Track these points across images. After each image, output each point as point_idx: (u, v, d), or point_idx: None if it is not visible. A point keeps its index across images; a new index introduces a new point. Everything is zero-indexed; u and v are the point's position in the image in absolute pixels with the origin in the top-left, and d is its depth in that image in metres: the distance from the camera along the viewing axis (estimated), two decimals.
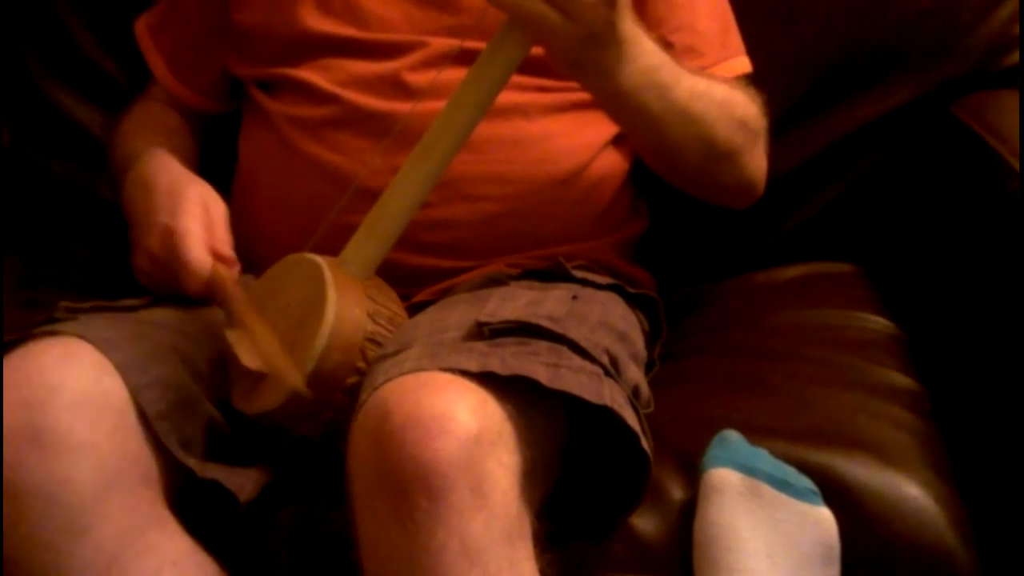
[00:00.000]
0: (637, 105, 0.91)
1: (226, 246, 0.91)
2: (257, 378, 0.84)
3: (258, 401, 0.83)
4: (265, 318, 0.86)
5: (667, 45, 0.95)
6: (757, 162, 1.03)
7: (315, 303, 0.82)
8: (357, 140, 0.98)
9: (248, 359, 0.83)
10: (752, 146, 1.01)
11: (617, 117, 0.97)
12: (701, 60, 1.02)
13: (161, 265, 0.92)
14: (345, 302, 0.82)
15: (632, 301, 1.01)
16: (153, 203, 0.93)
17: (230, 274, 0.91)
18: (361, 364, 0.82)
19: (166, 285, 0.92)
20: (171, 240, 0.90)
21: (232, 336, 0.85)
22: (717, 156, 0.98)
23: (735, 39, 1.08)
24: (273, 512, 0.88)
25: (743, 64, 1.07)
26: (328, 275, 0.83)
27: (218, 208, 0.93)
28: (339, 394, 0.81)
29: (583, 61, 0.86)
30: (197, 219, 0.91)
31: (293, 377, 0.81)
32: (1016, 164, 1.02)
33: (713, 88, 0.97)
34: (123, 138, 1.08)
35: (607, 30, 0.84)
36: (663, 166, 1.02)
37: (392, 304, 0.87)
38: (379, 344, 0.83)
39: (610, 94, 0.90)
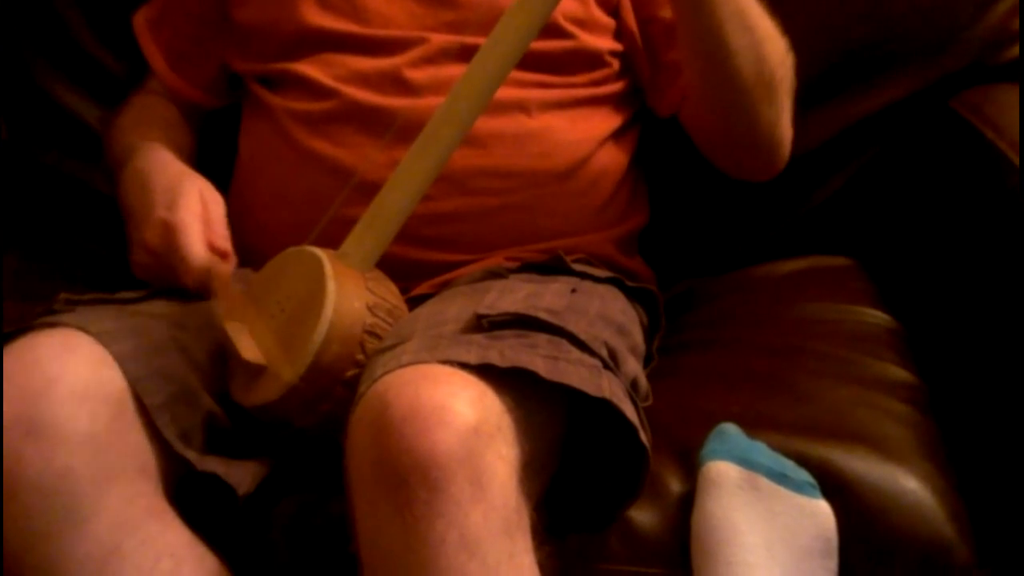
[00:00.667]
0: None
1: (223, 240, 0.91)
2: (255, 370, 0.84)
3: (256, 393, 0.84)
4: (265, 311, 0.86)
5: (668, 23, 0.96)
6: (788, 118, 1.03)
7: (314, 295, 0.82)
8: (357, 135, 0.98)
9: (247, 351, 0.83)
10: (788, 93, 1.02)
11: (682, 9, 0.96)
12: None
13: (159, 259, 0.92)
14: (344, 294, 0.83)
15: (631, 295, 1.01)
16: (151, 198, 0.93)
17: (226, 268, 0.91)
18: (360, 356, 0.82)
19: (164, 279, 0.92)
20: (168, 234, 0.90)
21: (231, 328, 0.85)
22: (762, 78, 0.98)
23: None
24: (272, 505, 0.88)
25: None
26: (328, 268, 0.83)
27: (216, 203, 0.93)
28: (338, 386, 0.82)
29: None
30: (194, 213, 0.91)
31: (291, 369, 0.81)
32: (1015, 158, 1.02)
33: (764, 14, 0.98)
34: (120, 132, 1.08)
35: None
36: (714, 74, 0.99)
37: (391, 297, 0.87)
38: (378, 336, 0.83)
39: None
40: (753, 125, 1.02)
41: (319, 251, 0.86)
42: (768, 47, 0.98)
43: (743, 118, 1.01)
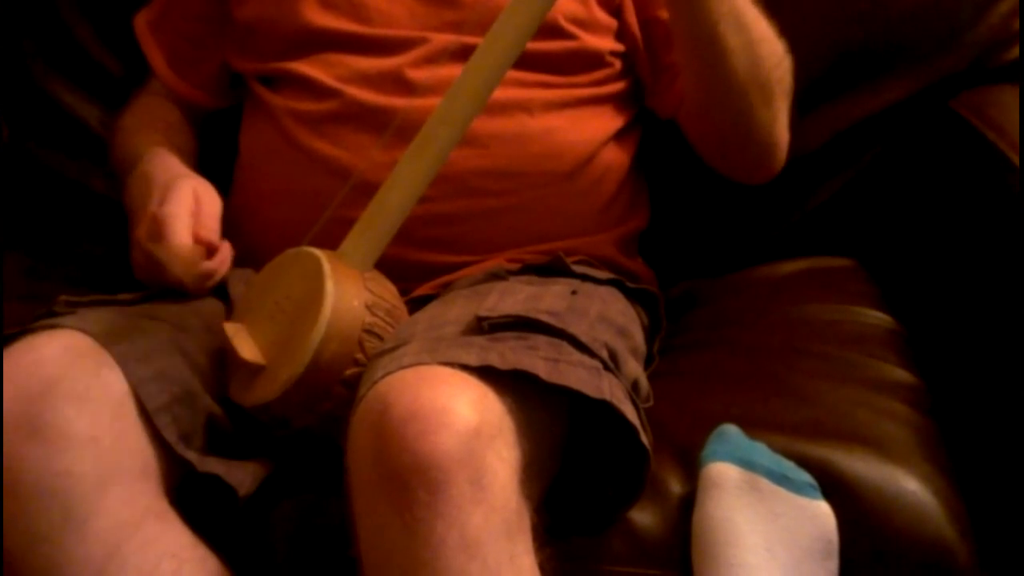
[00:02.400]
0: None
1: (210, 233, 0.91)
2: (255, 370, 0.84)
3: (256, 393, 0.84)
4: (264, 311, 0.87)
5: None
6: (784, 118, 1.03)
7: (313, 295, 0.83)
8: (358, 135, 0.98)
9: (245, 351, 0.83)
10: (785, 94, 1.02)
11: (676, 8, 0.96)
12: None
13: (147, 254, 0.91)
14: (343, 294, 0.83)
15: (632, 296, 1.01)
16: (149, 198, 0.93)
17: (213, 260, 0.90)
18: (359, 355, 0.82)
19: (155, 275, 0.92)
20: (156, 227, 0.90)
21: (230, 329, 0.85)
22: (757, 80, 0.98)
23: None
24: (272, 506, 0.88)
25: None
26: (326, 267, 0.84)
27: (210, 199, 0.93)
28: (337, 385, 0.82)
29: None
30: (184, 207, 0.91)
31: (290, 368, 0.81)
32: (1015, 159, 1.02)
33: (760, 17, 0.98)
34: (124, 136, 1.09)
35: None
36: (709, 76, 1.00)
37: (390, 297, 0.87)
38: (377, 336, 0.83)
39: None
40: (749, 127, 1.02)
41: (318, 251, 0.86)
42: (764, 49, 0.98)
43: (738, 119, 1.01)
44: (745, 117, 1.01)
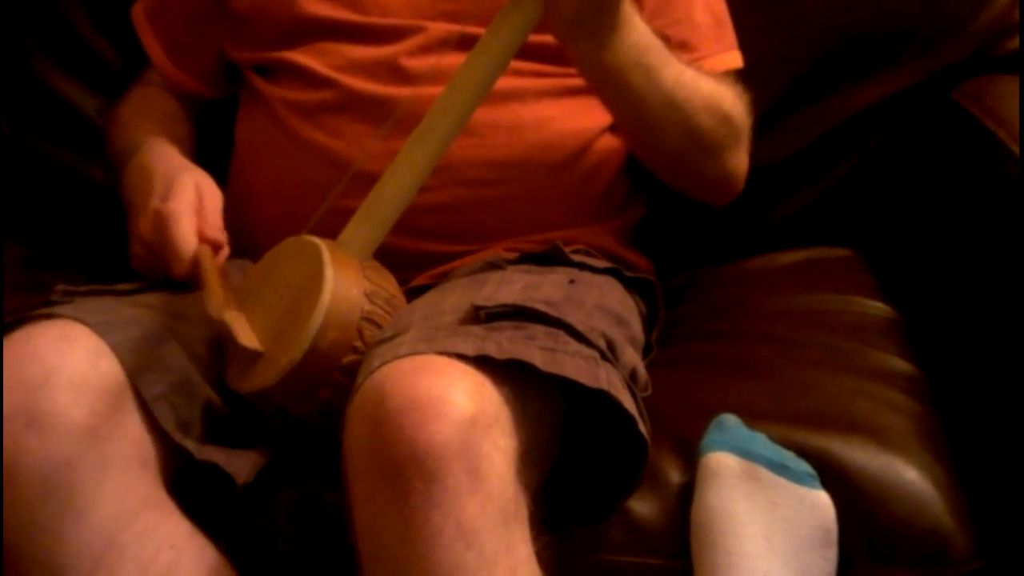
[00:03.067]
0: (623, 82, 0.91)
1: (215, 230, 0.91)
2: (253, 357, 0.84)
3: (254, 380, 0.84)
4: (263, 299, 0.87)
5: (664, 38, 0.95)
6: (738, 159, 1.03)
7: (312, 282, 0.83)
8: (355, 125, 0.98)
9: (244, 338, 0.83)
10: (735, 143, 1.01)
11: (602, 91, 0.96)
12: (695, 53, 1.02)
13: (151, 249, 0.91)
14: (342, 281, 0.83)
15: (630, 285, 1.01)
16: (149, 190, 0.93)
17: (217, 256, 0.90)
18: (357, 343, 0.82)
19: (157, 269, 0.92)
20: (160, 224, 0.90)
21: (228, 316, 0.85)
22: (698, 147, 0.98)
23: (729, 33, 1.08)
24: (271, 494, 0.88)
25: (735, 59, 1.07)
26: (325, 255, 0.84)
27: (212, 194, 0.93)
28: (335, 372, 0.82)
29: (583, 21, 0.85)
30: (188, 203, 0.91)
31: (288, 355, 0.81)
32: (1016, 148, 1.01)
33: (700, 80, 0.97)
34: (121, 127, 1.08)
35: None
36: (644, 150, 1.03)
37: (389, 285, 0.87)
38: (376, 324, 0.83)
39: (598, 66, 0.90)
40: (692, 177, 1.03)
41: (317, 239, 0.86)
42: (700, 119, 0.96)
43: (683, 174, 1.03)
44: (690, 173, 1.02)
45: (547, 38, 0.99)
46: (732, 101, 1.00)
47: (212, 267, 0.88)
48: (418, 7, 1.00)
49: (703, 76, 0.98)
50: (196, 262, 0.88)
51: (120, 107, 1.11)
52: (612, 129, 1.04)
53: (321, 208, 0.91)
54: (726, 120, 0.99)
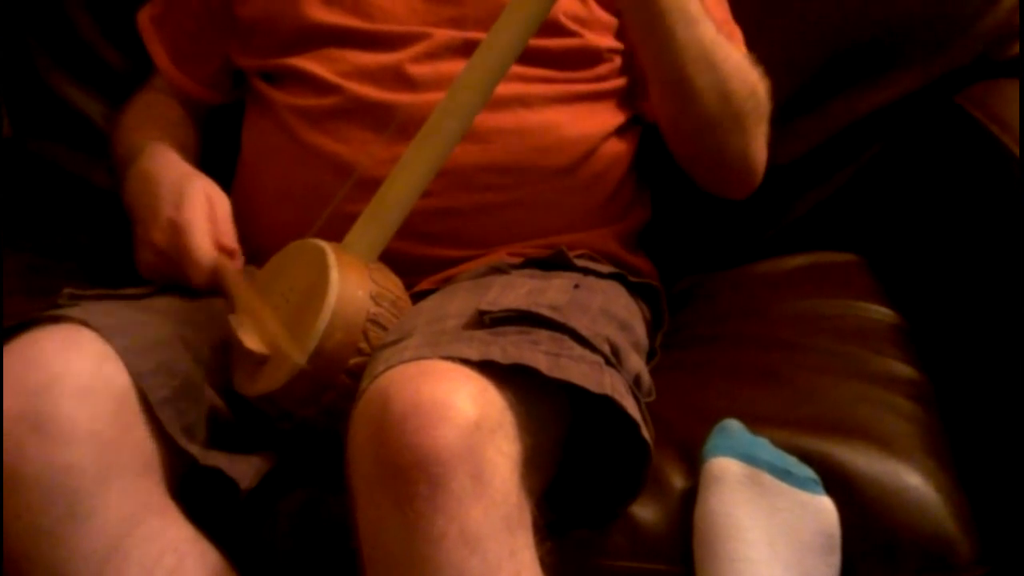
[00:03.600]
0: (665, 28, 0.94)
1: (230, 238, 0.92)
2: (259, 361, 0.84)
3: (260, 383, 0.84)
4: (269, 303, 0.87)
5: None
6: (760, 142, 1.03)
7: (318, 285, 0.83)
8: (360, 131, 0.98)
9: (250, 341, 0.84)
10: (759, 120, 1.02)
11: (646, 37, 0.97)
12: None
13: (166, 259, 0.92)
14: (347, 283, 0.83)
15: (634, 290, 1.01)
16: (157, 198, 0.94)
17: (233, 264, 0.91)
18: (363, 345, 0.82)
19: (171, 278, 0.92)
20: (176, 234, 0.91)
21: (234, 320, 0.86)
22: (728, 114, 0.99)
23: (737, 30, 1.09)
24: (275, 499, 0.88)
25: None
26: (331, 257, 0.84)
27: (221, 202, 0.94)
28: (341, 375, 0.82)
29: None
30: (201, 212, 0.91)
31: (295, 357, 0.81)
32: (1019, 153, 1.01)
33: (732, 48, 0.98)
34: (125, 132, 1.09)
35: None
36: (677, 116, 1.02)
37: (395, 288, 0.87)
38: (382, 326, 0.83)
39: (643, 5, 0.92)
40: (720, 153, 1.03)
41: (322, 242, 0.86)
42: (734, 83, 0.98)
43: (710, 147, 1.03)
44: (717, 145, 1.02)
45: (553, 43, 1.00)
46: (758, 76, 1.01)
47: (236, 276, 0.88)
48: (423, 14, 1.00)
49: (733, 46, 0.99)
50: (216, 271, 0.89)
51: (125, 112, 1.12)
52: (617, 134, 1.04)
53: (326, 212, 0.92)
54: (754, 92, 1.00)
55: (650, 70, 1.01)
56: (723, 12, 1.08)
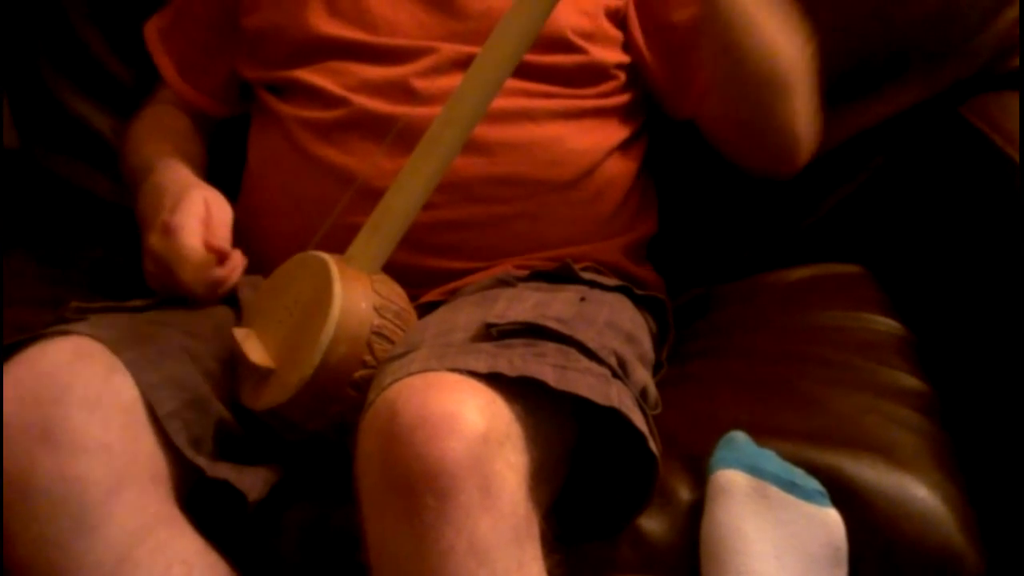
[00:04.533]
0: None
1: (221, 241, 0.92)
2: (264, 374, 0.84)
3: (266, 397, 0.84)
4: (273, 316, 0.87)
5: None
6: (805, 116, 1.02)
7: (321, 298, 0.83)
8: (366, 143, 0.98)
9: (255, 355, 0.84)
10: (804, 91, 1.01)
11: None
12: None
13: (159, 261, 0.92)
14: (351, 296, 0.83)
15: (640, 303, 1.01)
16: (160, 207, 0.94)
17: (225, 269, 0.91)
18: (368, 357, 0.82)
19: (166, 283, 0.92)
20: (167, 235, 0.91)
21: (239, 334, 0.86)
22: (777, 78, 0.99)
23: None
24: (282, 511, 0.88)
25: None
26: (334, 270, 0.84)
27: (220, 208, 0.94)
28: (346, 388, 0.82)
29: None
30: (195, 215, 0.91)
31: (299, 371, 0.81)
32: None
33: (773, 14, 0.98)
34: (135, 144, 1.09)
35: None
36: (726, 71, 1.01)
37: (398, 299, 0.88)
38: (386, 338, 0.83)
39: None
40: (767, 121, 1.02)
41: (325, 255, 0.87)
42: (778, 49, 0.98)
43: (757, 114, 1.01)
44: (763, 111, 1.01)
45: (560, 59, 1.00)
46: (802, 48, 1.01)
47: (243, 289, 0.90)
48: (429, 28, 1.01)
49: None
50: (203, 271, 0.89)
51: (133, 125, 1.12)
52: (622, 148, 1.05)
53: (327, 223, 0.92)
54: (799, 61, 1.00)
55: (703, 31, 1.00)
56: None
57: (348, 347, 0.82)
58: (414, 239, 0.90)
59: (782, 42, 0.98)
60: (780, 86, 0.99)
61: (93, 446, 0.78)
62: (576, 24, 1.01)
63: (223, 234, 0.92)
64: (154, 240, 0.92)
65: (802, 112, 1.02)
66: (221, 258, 0.92)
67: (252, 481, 0.85)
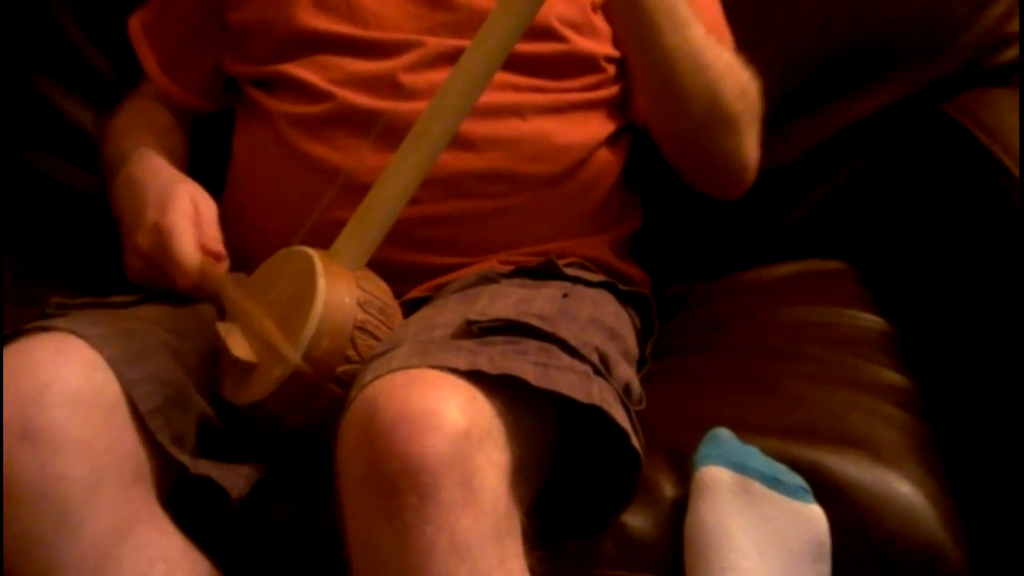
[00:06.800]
0: (655, 28, 0.95)
1: (215, 242, 0.92)
2: (247, 368, 0.84)
3: (248, 391, 0.84)
4: (257, 310, 0.87)
5: None
6: (752, 142, 1.04)
7: (305, 292, 0.83)
8: (353, 138, 0.98)
9: (238, 349, 0.84)
10: (751, 121, 1.03)
11: (635, 39, 0.98)
12: None
13: (152, 263, 0.92)
14: (335, 291, 0.83)
15: (624, 298, 1.01)
16: (143, 202, 0.94)
17: (219, 269, 0.91)
18: (351, 352, 0.82)
19: (158, 283, 0.92)
20: (160, 237, 0.90)
21: (222, 328, 0.86)
22: (719, 115, 0.99)
23: (727, 33, 1.09)
24: (266, 509, 0.88)
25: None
26: (318, 265, 0.84)
27: (207, 205, 0.94)
28: (329, 382, 0.82)
29: None
30: (186, 216, 0.91)
31: (282, 365, 0.81)
32: (1008, 162, 1.02)
33: (722, 49, 0.99)
34: (114, 137, 1.09)
35: None
36: (667, 118, 1.03)
37: (383, 295, 0.88)
38: (370, 333, 0.83)
39: (632, 6, 0.94)
40: (712, 154, 1.04)
41: (309, 250, 0.86)
42: (723, 84, 0.99)
43: (701, 148, 1.03)
44: (706, 147, 1.03)
45: (543, 50, 0.99)
46: (749, 77, 1.02)
47: (225, 283, 0.88)
48: (416, 20, 1.00)
49: (723, 47, 1.00)
50: (205, 277, 0.89)
51: (113, 118, 1.12)
52: (608, 143, 1.05)
53: (312, 218, 0.91)
54: (745, 93, 1.01)
55: (639, 72, 1.02)
56: (714, 15, 1.09)
57: (331, 342, 0.82)
58: (400, 234, 0.90)
59: (727, 80, 0.99)
60: (724, 125, 1.01)
61: (74, 443, 0.78)
62: (561, 12, 1.01)
63: (214, 234, 0.92)
64: (144, 241, 0.92)
65: (747, 144, 1.03)
66: (216, 258, 0.91)
67: (235, 478, 0.85)
